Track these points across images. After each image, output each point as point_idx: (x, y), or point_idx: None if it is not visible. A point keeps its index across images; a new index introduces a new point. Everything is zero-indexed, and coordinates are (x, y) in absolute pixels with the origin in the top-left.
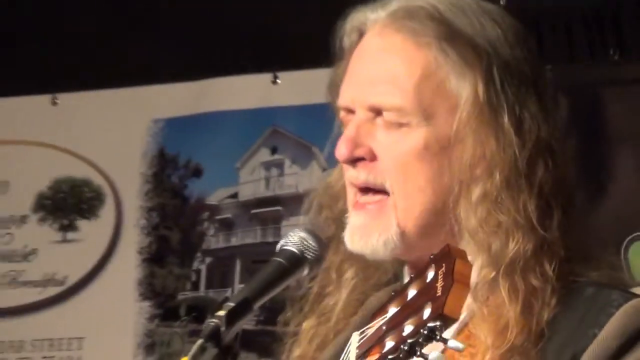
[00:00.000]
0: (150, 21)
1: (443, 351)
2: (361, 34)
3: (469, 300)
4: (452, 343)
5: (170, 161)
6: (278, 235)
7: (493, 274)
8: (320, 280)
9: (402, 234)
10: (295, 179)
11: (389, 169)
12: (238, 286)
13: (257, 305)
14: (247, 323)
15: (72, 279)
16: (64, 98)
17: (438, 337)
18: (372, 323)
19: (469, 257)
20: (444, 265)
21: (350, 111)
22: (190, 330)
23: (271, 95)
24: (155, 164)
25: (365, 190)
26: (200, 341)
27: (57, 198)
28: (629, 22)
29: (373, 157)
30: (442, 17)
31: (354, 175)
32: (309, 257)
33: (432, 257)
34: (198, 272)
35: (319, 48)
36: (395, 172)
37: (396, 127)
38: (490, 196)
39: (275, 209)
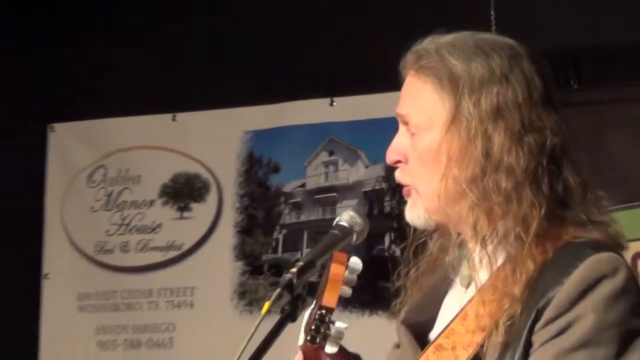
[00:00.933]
0: (244, 61)
1: (344, 328)
2: None
3: (483, 254)
4: (337, 324)
5: (257, 161)
6: (334, 214)
7: (479, 245)
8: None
9: (427, 210)
10: (346, 173)
11: (410, 167)
12: (305, 250)
13: (319, 263)
14: (312, 277)
15: (187, 245)
16: (181, 116)
17: (325, 321)
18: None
19: (470, 231)
20: (328, 267)
21: None
22: (271, 282)
23: (329, 114)
24: (246, 163)
25: (403, 186)
26: (278, 290)
27: (176, 187)
28: (584, 61)
29: (406, 160)
30: (439, 58)
31: (396, 174)
32: (355, 229)
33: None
34: (277, 240)
35: (363, 80)
36: (413, 168)
37: (412, 135)
38: (469, 182)
39: (331, 195)
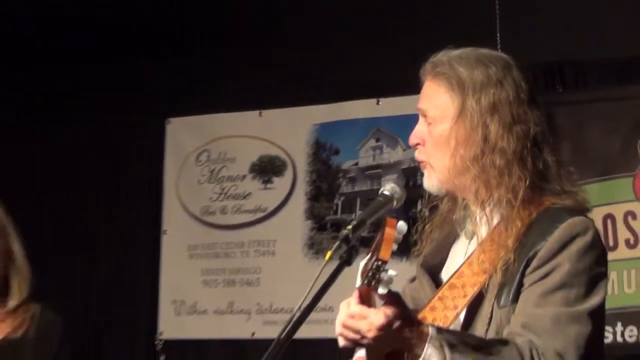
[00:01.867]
0: (311, 70)
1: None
2: None
3: (483, 214)
4: (389, 272)
5: (322, 146)
6: (379, 185)
7: (480, 207)
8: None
9: (439, 180)
10: (389, 155)
11: (427, 148)
12: (358, 212)
13: (369, 222)
14: (363, 232)
15: (270, 209)
16: (265, 112)
17: (380, 269)
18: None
19: (473, 197)
20: (382, 230)
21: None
22: (332, 236)
23: (376, 111)
24: (314, 147)
25: (419, 162)
26: (337, 242)
27: (261, 165)
28: (567, 70)
29: (424, 143)
30: (450, 67)
31: (415, 154)
32: (395, 197)
33: (382, 222)
34: (337, 205)
35: (402, 85)
36: (429, 149)
37: (428, 125)
38: (467, 162)
39: (378, 171)
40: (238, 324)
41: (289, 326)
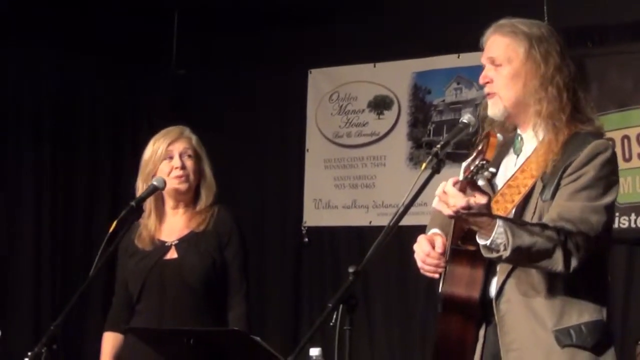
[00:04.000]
0: (414, 35)
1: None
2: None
3: (530, 135)
4: (490, 169)
5: (419, 88)
6: (459, 115)
7: (536, 124)
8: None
9: (505, 108)
10: (466, 94)
11: (496, 84)
12: (444, 135)
13: (452, 142)
14: (448, 149)
15: (382, 133)
16: (379, 64)
17: (484, 167)
18: (470, 159)
19: (528, 119)
20: (486, 139)
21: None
22: (426, 152)
23: (457, 62)
24: (413, 88)
25: (489, 94)
26: (430, 157)
27: (376, 102)
28: (595, 31)
29: (491, 81)
30: (513, 26)
31: (485, 89)
32: (471, 124)
33: (485, 134)
34: (430, 130)
35: (475, 43)
36: (498, 84)
37: (497, 67)
38: (533, 90)
39: (459, 105)
40: (359, 215)
41: (396, 216)
